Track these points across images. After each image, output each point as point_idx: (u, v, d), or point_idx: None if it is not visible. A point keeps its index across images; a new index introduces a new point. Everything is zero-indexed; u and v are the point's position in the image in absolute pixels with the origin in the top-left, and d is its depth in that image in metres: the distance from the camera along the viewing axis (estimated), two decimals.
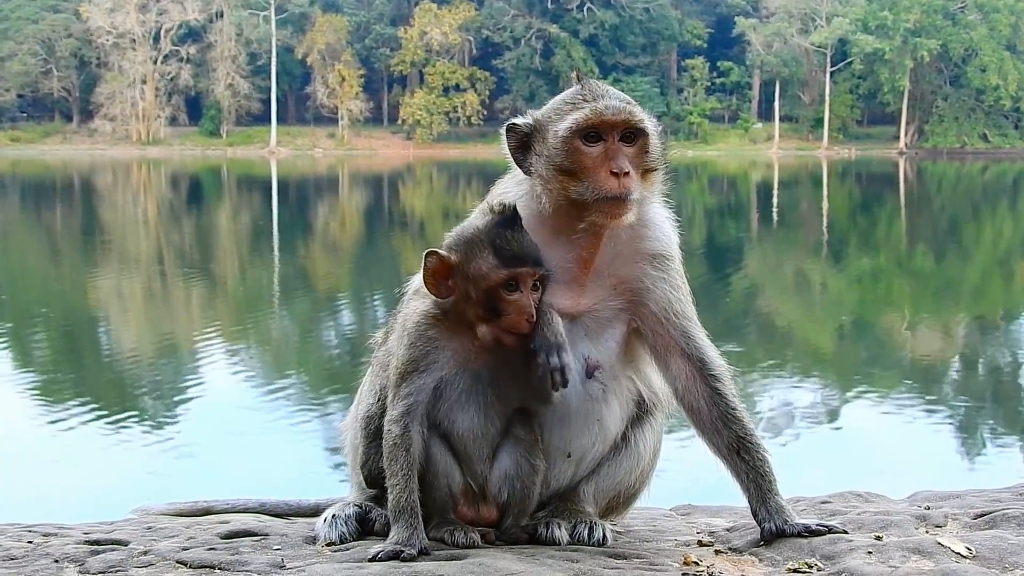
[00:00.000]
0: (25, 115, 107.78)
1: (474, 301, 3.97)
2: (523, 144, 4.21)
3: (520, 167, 4.23)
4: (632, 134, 4.10)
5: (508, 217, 4.02)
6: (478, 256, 3.97)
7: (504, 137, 4.23)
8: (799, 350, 18.09)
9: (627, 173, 4.03)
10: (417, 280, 4.25)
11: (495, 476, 4.10)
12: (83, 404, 13.71)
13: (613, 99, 4.10)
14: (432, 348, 4.02)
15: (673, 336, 4.22)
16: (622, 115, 4.07)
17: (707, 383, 4.20)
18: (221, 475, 11.07)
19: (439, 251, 4.02)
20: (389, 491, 3.98)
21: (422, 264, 4.01)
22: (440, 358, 4.03)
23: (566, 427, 4.22)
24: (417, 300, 4.15)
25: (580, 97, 4.13)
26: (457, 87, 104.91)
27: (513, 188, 4.30)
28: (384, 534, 4.01)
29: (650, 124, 4.16)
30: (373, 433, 4.18)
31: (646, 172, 4.15)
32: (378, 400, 4.20)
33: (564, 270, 4.16)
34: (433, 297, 4.05)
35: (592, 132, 4.06)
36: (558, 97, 4.25)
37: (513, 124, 4.23)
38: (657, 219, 4.30)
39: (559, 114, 4.14)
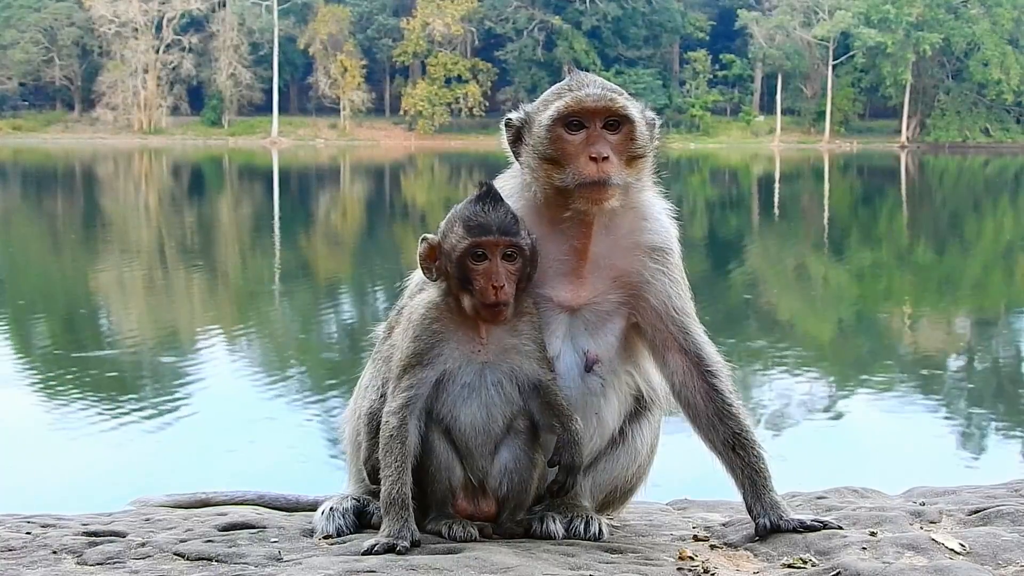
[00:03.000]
0: (27, 104, 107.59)
1: (452, 275, 4.04)
2: (517, 138, 4.25)
3: (518, 160, 4.29)
4: (616, 122, 4.12)
5: (483, 193, 4.08)
6: (451, 231, 4.05)
7: (503, 132, 4.29)
8: (798, 344, 18.09)
9: (606, 158, 4.04)
10: (418, 273, 4.29)
11: (495, 470, 4.11)
12: (82, 394, 13.72)
13: (595, 87, 4.14)
14: (437, 341, 4.05)
15: (671, 331, 4.24)
16: (602, 102, 4.10)
17: (704, 379, 4.22)
18: (219, 467, 11.09)
19: (428, 235, 4.12)
20: (382, 482, 4.00)
21: (417, 250, 4.13)
22: (444, 351, 4.05)
23: (572, 410, 4.23)
24: (423, 292, 4.20)
25: (565, 87, 4.18)
26: (459, 78, 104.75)
27: (511, 182, 4.33)
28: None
29: (635, 111, 4.17)
30: (376, 429, 4.19)
31: (633, 159, 4.16)
32: (381, 396, 4.21)
33: (562, 262, 4.20)
34: (429, 282, 4.15)
35: (574, 120, 4.09)
36: (548, 90, 4.29)
37: (508, 119, 4.28)
38: (656, 211, 4.32)
39: (544, 105, 4.18)
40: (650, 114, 4.29)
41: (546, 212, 4.19)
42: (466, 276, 3.99)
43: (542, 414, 4.09)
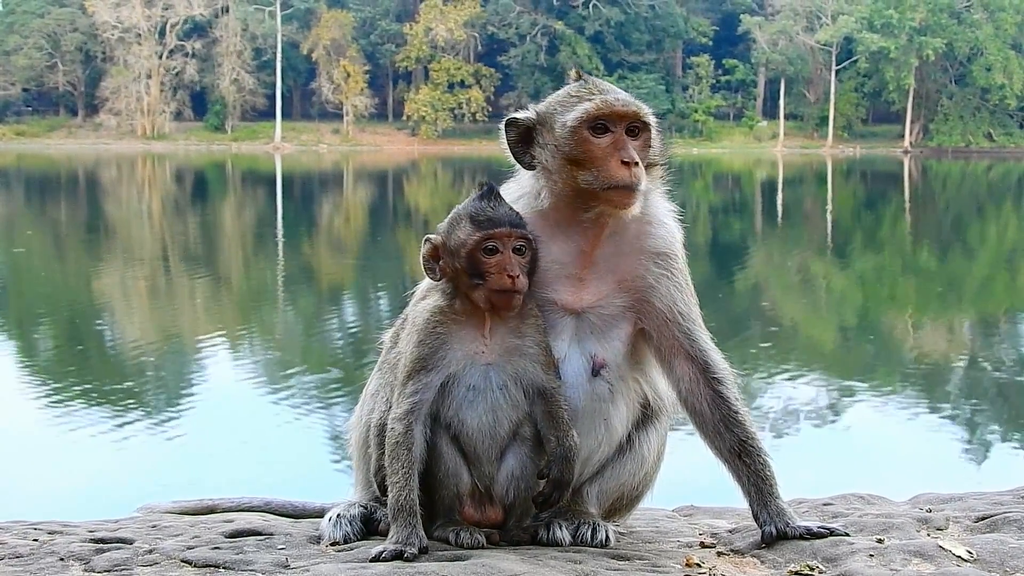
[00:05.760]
0: (30, 109, 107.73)
1: (461, 272, 4.04)
2: (523, 138, 4.25)
3: (519, 161, 4.29)
4: (637, 128, 4.16)
5: (485, 191, 4.12)
6: (458, 228, 4.07)
7: (504, 132, 4.28)
8: (802, 349, 18.08)
9: (637, 163, 4.08)
10: (423, 283, 4.30)
11: (501, 477, 4.11)
12: (88, 401, 13.73)
13: (620, 93, 4.20)
14: (441, 345, 4.05)
15: (677, 338, 4.24)
16: (631, 107, 4.15)
17: (710, 386, 4.22)
18: (226, 473, 11.09)
19: (431, 236, 4.14)
20: (389, 489, 4.00)
21: (420, 251, 4.15)
22: (448, 354, 4.05)
23: (573, 426, 4.23)
24: (426, 299, 4.21)
25: (586, 90, 4.20)
26: (462, 83, 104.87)
27: (515, 188, 4.35)
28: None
29: (653, 119, 4.21)
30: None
31: (648, 166, 4.20)
32: (390, 407, 4.21)
33: (564, 264, 4.21)
34: (433, 282, 4.17)
35: (600, 123, 4.12)
36: (560, 91, 4.31)
37: (514, 118, 4.28)
38: (661, 216, 4.33)
39: (565, 106, 4.19)
40: (658, 121, 4.33)
41: (552, 215, 4.21)
42: (478, 270, 4.01)
43: (542, 423, 4.10)
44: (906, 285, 26.41)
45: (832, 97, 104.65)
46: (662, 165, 4.32)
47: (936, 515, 4.48)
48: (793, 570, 3.93)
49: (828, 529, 4.19)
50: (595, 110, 4.12)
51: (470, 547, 3.99)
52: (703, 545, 4.33)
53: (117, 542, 4.21)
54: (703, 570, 3.97)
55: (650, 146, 4.21)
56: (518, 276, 3.99)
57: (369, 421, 4.38)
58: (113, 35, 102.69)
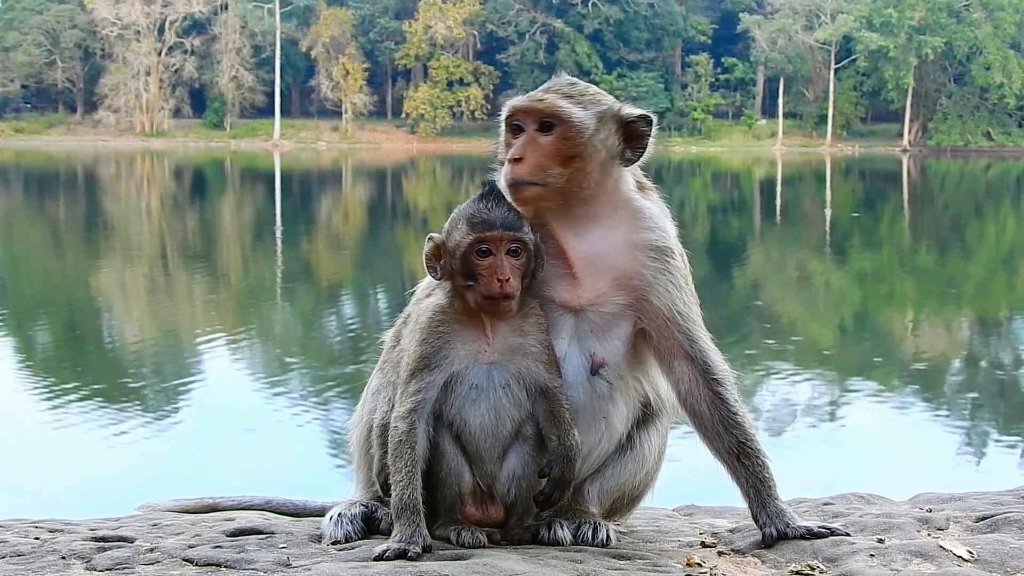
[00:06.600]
0: (29, 106, 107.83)
1: (456, 272, 4.07)
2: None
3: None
4: (549, 123, 4.17)
5: (486, 191, 4.14)
6: (456, 229, 4.09)
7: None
8: (801, 348, 18.07)
9: (519, 159, 4.14)
10: (425, 280, 4.32)
11: (503, 476, 4.11)
12: (88, 399, 13.72)
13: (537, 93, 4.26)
14: (444, 344, 4.06)
15: (676, 338, 4.24)
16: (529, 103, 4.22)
17: (709, 387, 4.22)
18: (227, 471, 11.09)
19: (434, 235, 4.17)
20: (392, 488, 4.00)
21: (423, 250, 4.18)
22: (451, 353, 4.06)
23: (574, 425, 4.24)
24: (430, 297, 4.23)
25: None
26: (461, 81, 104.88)
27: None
28: (390, 533, 4.03)
29: (571, 108, 4.17)
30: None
31: (628, 162, 4.24)
32: (393, 407, 4.21)
33: (554, 264, 4.22)
34: (435, 287, 4.19)
35: (515, 123, 4.24)
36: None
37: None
38: (652, 212, 4.33)
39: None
40: (633, 111, 4.30)
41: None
42: (471, 272, 4.02)
43: (544, 422, 4.11)
44: (905, 284, 26.42)
45: (831, 96, 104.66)
46: (637, 159, 4.28)
47: (936, 515, 4.48)
48: (794, 570, 3.93)
49: (828, 529, 4.19)
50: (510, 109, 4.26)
51: (471, 546, 3.99)
52: (704, 545, 4.33)
53: (118, 540, 4.21)
54: (704, 570, 3.98)
55: (568, 140, 4.18)
56: (508, 280, 4.00)
57: (371, 420, 4.38)
58: (112, 32, 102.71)
